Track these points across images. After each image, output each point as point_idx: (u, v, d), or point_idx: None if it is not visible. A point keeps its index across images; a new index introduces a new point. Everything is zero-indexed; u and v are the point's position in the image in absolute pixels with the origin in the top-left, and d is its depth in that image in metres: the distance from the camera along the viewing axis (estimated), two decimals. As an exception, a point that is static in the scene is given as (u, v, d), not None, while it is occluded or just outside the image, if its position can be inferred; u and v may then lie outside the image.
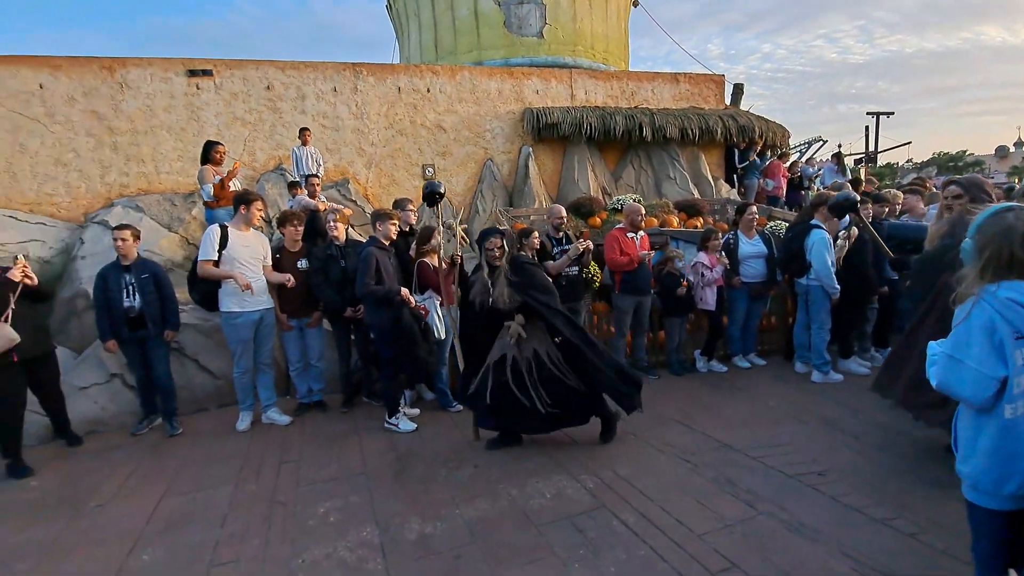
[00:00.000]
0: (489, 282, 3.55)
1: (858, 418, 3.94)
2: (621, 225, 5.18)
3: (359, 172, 8.17)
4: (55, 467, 3.83)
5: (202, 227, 6.52)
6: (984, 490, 1.63)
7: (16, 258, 3.73)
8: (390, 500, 3.07)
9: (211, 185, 5.38)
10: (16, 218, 6.50)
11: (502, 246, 3.60)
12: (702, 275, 5.16)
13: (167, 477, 3.54)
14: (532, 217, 7.05)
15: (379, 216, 4.37)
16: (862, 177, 9.94)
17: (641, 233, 5.15)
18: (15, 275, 3.60)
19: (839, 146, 15.06)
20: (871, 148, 22.50)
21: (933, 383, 1.71)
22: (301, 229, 4.63)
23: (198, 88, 7.49)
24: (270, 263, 4.37)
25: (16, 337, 3.55)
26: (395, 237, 4.42)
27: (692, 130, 9.03)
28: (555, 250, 4.95)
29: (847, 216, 4.84)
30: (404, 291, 4.03)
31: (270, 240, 5.14)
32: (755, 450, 3.51)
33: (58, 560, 2.69)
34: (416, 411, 4.41)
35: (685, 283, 5.15)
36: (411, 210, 5.00)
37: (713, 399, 4.53)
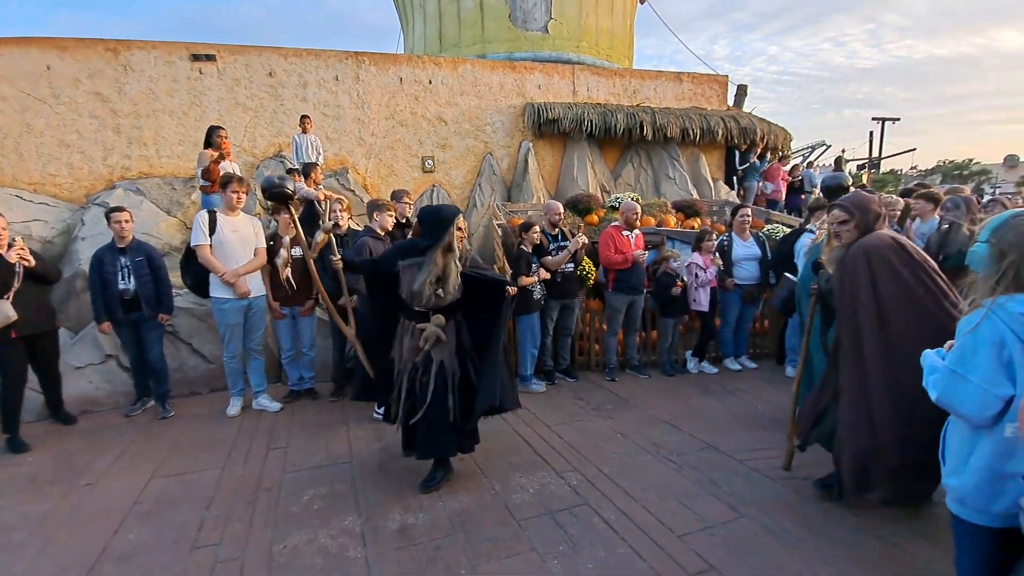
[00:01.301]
0: (444, 270, 2.96)
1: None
2: (617, 223, 5.19)
3: (358, 162, 8.16)
4: (50, 444, 3.87)
5: (200, 212, 6.56)
6: (972, 505, 1.59)
7: (14, 240, 3.76)
8: (374, 490, 3.10)
9: (201, 168, 5.43)
10: (21, 197, 6.51)
11: (465, 228, 3.10)
12: (696, 276, 5.18)
13: (157, 458, 3.58)
14: (529, 212, 7.06)
15: (376, 206, 4.39)
16: (864, 182, 9.95)
17: (636, 232, 5.17)
18: (12, 257, 3.64)
19: (842, 151, 15.03)
20: (875, 154, 22.40)
21: (932, 397, 1.64)
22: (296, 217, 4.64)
23: (201, 73, 7.47)
24: (263, 246, 4.37)
25: (13, 315, 3.61)
26: (391, 228, 4.44)
27: (693, 130, 9.01)
28: (551, 246, 4.97)
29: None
30: None
31: (266, 228, 5.15)
32: (741, 453, 3.53)
33: (49, 535, 2.73)
34: (406, 402, 4.43)
35: (680, 283, 5.17)
36: (407, 202, 5.01)
37: (702, 401, 4.56)
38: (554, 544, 2.57)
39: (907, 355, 2.42)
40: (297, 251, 4.52)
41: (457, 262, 3.00)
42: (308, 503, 2.98)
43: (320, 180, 6.23)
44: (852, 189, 4.54)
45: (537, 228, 4.83)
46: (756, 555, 2.48)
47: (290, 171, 6.61)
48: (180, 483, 3.24)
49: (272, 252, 4.44)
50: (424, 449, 3.07)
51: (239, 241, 4.21)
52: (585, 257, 5.15)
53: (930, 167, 50.41)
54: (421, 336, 2.98)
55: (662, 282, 5.22)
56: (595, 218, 6.90)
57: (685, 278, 5.23)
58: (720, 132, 9.23)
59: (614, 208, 6.95)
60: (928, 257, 2.59)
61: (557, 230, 5.11)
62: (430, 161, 8.42)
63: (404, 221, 4.92)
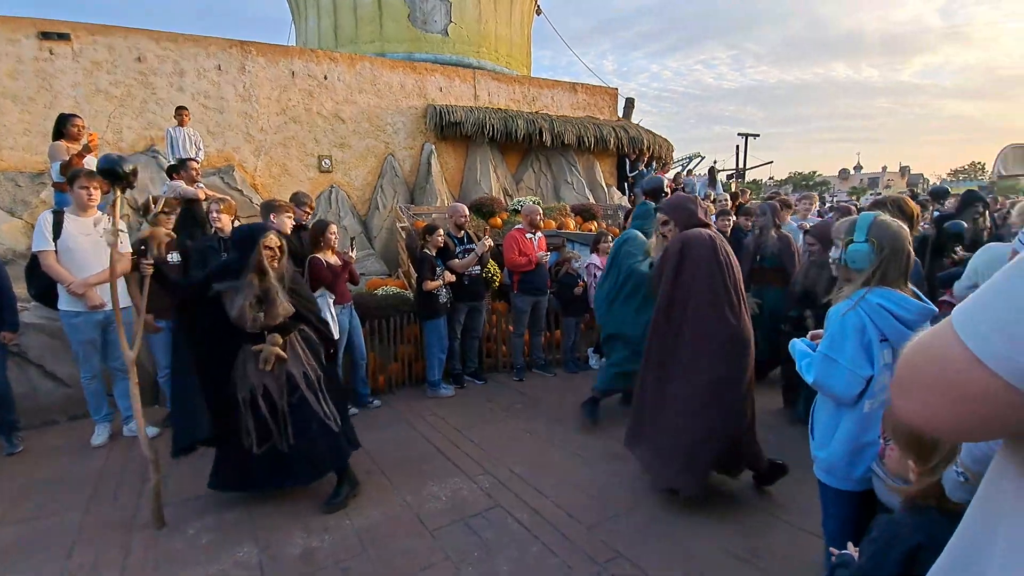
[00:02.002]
0: (264, 291, 2.75)
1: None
2: (520, 226, 5.29)
3: (246, 159, 7.57)
4: None
5: (51, 213, 5.70)
6: (837, 474, 1.82)
7: None
8: (273, 514, 2.88)
9: (59, 162, 4.70)
10: None
11: (282, 246, 2.88)
12: (595, 276, 5.42)
13: (3, 503, 3.04)
14: (434, 215, 6.98)
15: (272, 207, 4.09)
16: (734, 190, 11.09)
17: (539, 234, 5.30)
18: None
19: (715, 162, 16.64)
20: (741, 165, 24.99)
21: (809, 380, 1.83)
22: (172, 219, 4.19)
23: (52, 54, 6.51)
24: (128, 250, 3.82)
25: None
26: (288, 231, 4.16)
27: (588, 138, 9.44)
28: (457, 249, 4.95)
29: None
30: None
31: (137, 229, 4.59)
32: (640, 443, 3.74)
33: None
34: (306, 416, 4.17)
35: (582, 283, 5.38)
36: (308, 210, 4.73)
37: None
38: (468, 551, 2.56)
39: (690, 343, 2.82)
40: (175, 257, 4.09)
41: (276, 282, 2.79)
42: (194, 537, 2.69)
43: (198, 177, 5.66)
44: (668, 191, 5.03)
45: (441, 231, 4.79)
46: (656, 538, 2.64)
47: (171, 168, 5.96)
48: (33, 530, 2.78)
49: (139, 259, 3.95)
50: (321, 465, 2.92)
51: (92, 246, 3.67)
52: (490, 259, 5.20)
53: (783, 178, 57.31)
54: (260, 358, 2.80)
55: (564, 283, 5.40)
56: (499, 221, 6.98)
57: (585, 278, 5.46)
58: (612, 141, 9.76)
59: (517, 211, 7.07)
60: (734, 261, 2.97)
61: (463, 232, 5.10)
62: (327, 161, 8.03)
63: (302, 225, 4.65)
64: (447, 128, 8.49)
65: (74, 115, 4.98)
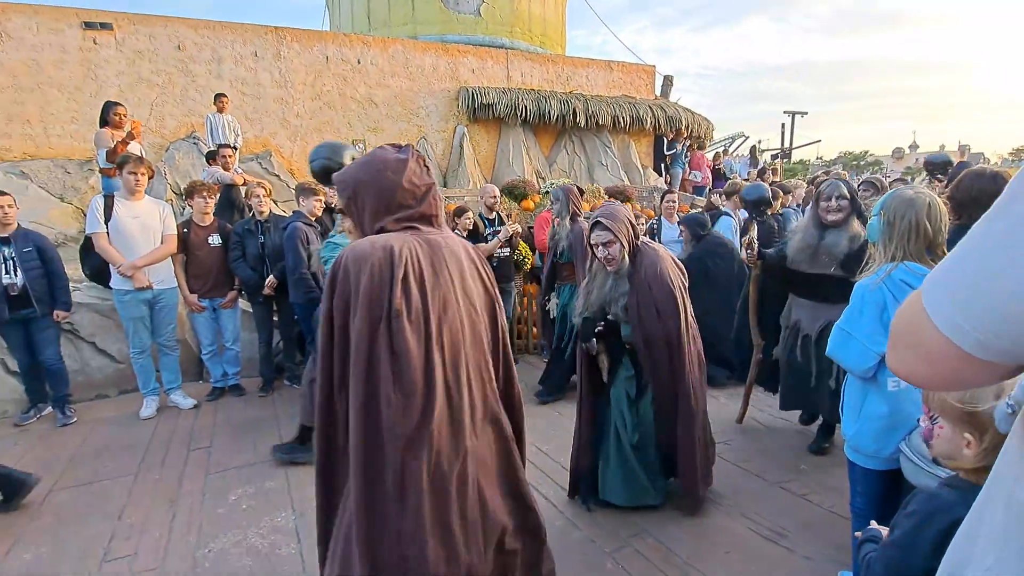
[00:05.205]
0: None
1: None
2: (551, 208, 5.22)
3: (282, 144, 7.72)
4: (-82, 463, 3.39)
5: (101, 197, 5.97)
6: (864, 452, 1.77)
7: None
8: (309, 484, 2.95)
9: (105, 149, 4.89)
10: None
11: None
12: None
13: (57, 469, 3.23)
14: (466, 198, 6.97)
15: (303, 190, 4.15)
16: (766, 168, 10.69)
17: (571, 216, 5.22)
18: None
19: (758, 142, 16.05)
20: (786, 145, 24.02)
21: (827, 352, 1.85)
22: (211, 202, 4.30)
23: (95, 43, 6.76)
24: (172, 233, 4.01)
25: None
26: (320, 214, 4.23)
27: (623, 118, 9.23)
28: (487, 231, 4.93)
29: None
30: None
31: (181, 214, 4.76)
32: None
33: (-81, 565, 2.40)
34: (341, 394, 4.27)
35: (613, 266, 5.29)
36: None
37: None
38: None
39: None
40: (215, 239, 4.22)
41: None
42: (235, 503, 2.80)
43: (233, 162, 5.80)
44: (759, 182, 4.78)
45: (470, 213, 4.77)
46: (681, 516, 2.58)
47: (210, 154, 6.13)
48: (86, 493, 2.95)
49: (184, 241, 4.10)
50: None
51: (140, 228, 3.84)
52: (521, 242, 5.16)
53: (833, 158, 54.57)
54: None
55: (597, 265, 5.32)
56: (531, 203, 6.92)
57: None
58: (649, 120, 9.51)
59: (547, 193, 7.00)
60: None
61: (494, 214, 5.07)
62: (361, 145, 8.10)
63: (334, 206, 4.72)
64: (479, 110, 8.44)
65: (117, 103, 5.18)
